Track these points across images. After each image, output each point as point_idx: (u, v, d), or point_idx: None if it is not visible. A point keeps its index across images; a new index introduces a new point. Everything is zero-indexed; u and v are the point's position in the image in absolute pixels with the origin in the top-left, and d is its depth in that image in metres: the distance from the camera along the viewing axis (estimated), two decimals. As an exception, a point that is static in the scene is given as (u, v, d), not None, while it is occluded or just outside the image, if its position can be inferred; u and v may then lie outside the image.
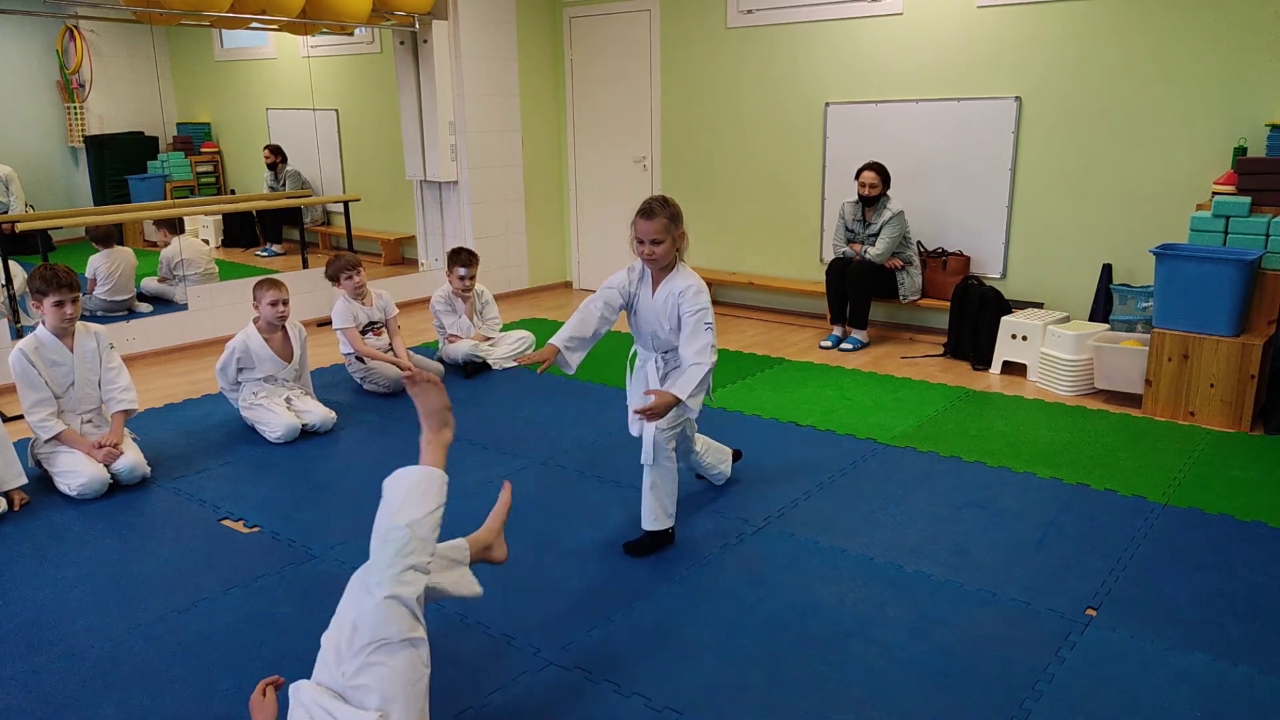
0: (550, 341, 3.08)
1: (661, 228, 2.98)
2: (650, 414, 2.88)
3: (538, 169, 7.54)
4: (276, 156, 8.12)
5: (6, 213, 7.03)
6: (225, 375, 4.31)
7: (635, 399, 3.28)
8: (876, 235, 5.68)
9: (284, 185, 8.14)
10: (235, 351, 4.26)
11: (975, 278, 5.59)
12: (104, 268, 6.13)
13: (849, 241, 5.85)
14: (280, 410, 4.20)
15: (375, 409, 4.61)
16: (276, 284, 4.27)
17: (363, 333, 4.87)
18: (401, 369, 4.81)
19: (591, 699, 2.34)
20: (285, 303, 4.27)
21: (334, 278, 4.88)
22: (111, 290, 6.16)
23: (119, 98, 8.27)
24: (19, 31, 7.87)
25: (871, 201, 5.67)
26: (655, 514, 3.11)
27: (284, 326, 4.33)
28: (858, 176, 5.68)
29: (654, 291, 3.10)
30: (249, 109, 8.53)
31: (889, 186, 5.68)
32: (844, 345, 5.78)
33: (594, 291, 3.22)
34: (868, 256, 5.67)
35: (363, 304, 4.90)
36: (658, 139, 7.12)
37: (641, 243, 3.01)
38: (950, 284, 5.62)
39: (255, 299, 4.27)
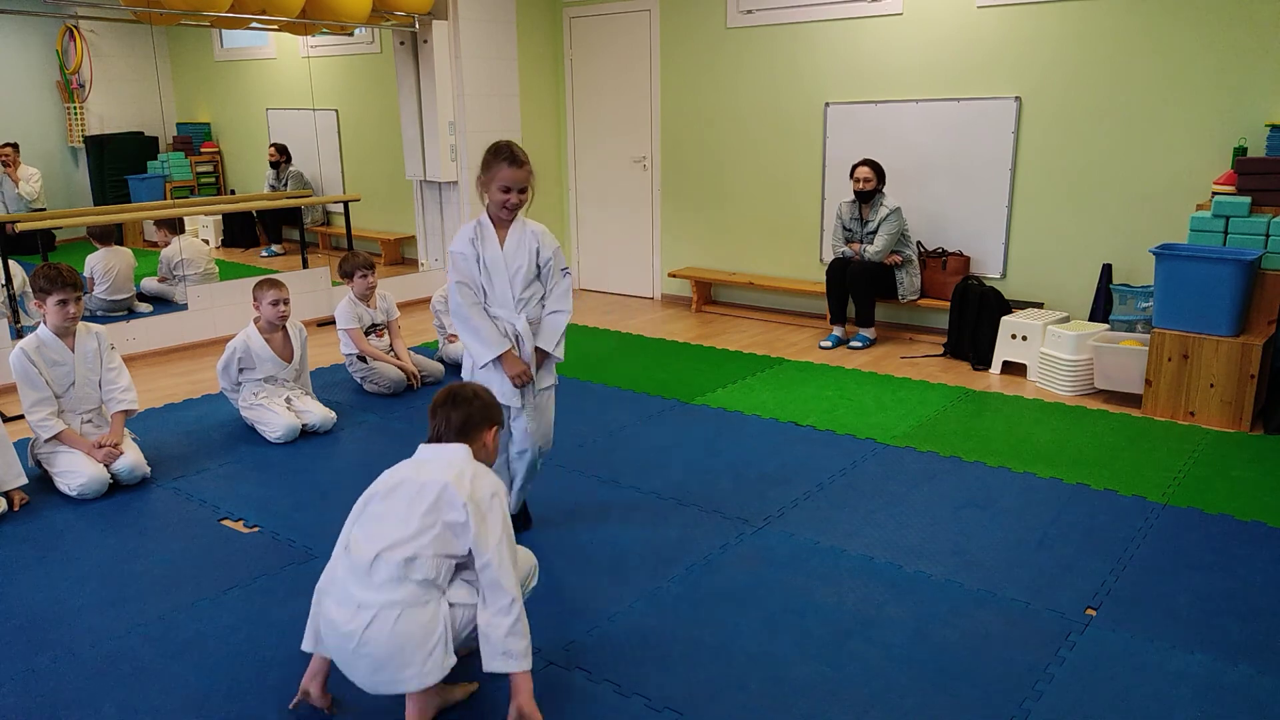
0: (506, 354, 2.91)
1: (528, 175, 2.90)
2: (525, 377, 2.94)
3: (538, 169, 7.36)
4: (281, 156, 8.12)
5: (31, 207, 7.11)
6: (227, 375, 4.31)
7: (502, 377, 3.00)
8: (874, 233, 5.68)
9: (286, 185, 8.14)
10: (236, 351, 4.26)
11: (975, 278, 5.59)
12: (101, 266, 6.14)
13: (847, 241, 5.85)
14: (280, 410, 4.20)
15: (375, 409, 4.61)
16: (277, 284, 4.27)
17: (365, 334, 4.87)
18: (405, 371, 4.84)
19: (591, 699, 2.34)
20: (286, 303, 4.27)
21: (348, 274, 4.88)
22: (109, 289, 6.16)
23: (119, 98, 8.27)
24: (19, 31, 7.88)
25: (867, 197, 5.67)
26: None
27: (284, 326, 4.33)
28: (852, 173, 5.69)
29: (503, 243, 2.95)
30: (249, 109, 8.54)
31: (884, 182, 5.68)
32: (852, 343, 5.78)
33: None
34: (866, 255, 5.67)
35: (368, 305, 4.90)
36: (658, 139, 7.12)
37: (508, 191, 2.88)
38: (950, 284, 5.62)
39: (256, 299, 4.27)
